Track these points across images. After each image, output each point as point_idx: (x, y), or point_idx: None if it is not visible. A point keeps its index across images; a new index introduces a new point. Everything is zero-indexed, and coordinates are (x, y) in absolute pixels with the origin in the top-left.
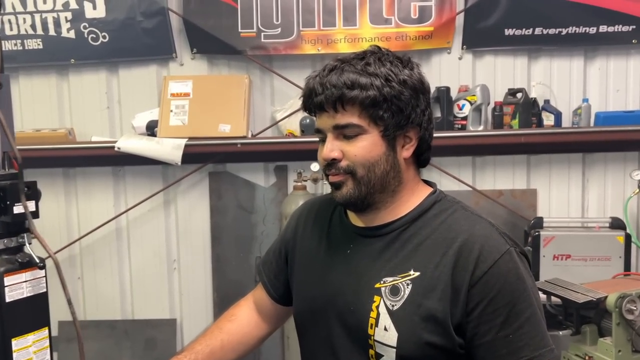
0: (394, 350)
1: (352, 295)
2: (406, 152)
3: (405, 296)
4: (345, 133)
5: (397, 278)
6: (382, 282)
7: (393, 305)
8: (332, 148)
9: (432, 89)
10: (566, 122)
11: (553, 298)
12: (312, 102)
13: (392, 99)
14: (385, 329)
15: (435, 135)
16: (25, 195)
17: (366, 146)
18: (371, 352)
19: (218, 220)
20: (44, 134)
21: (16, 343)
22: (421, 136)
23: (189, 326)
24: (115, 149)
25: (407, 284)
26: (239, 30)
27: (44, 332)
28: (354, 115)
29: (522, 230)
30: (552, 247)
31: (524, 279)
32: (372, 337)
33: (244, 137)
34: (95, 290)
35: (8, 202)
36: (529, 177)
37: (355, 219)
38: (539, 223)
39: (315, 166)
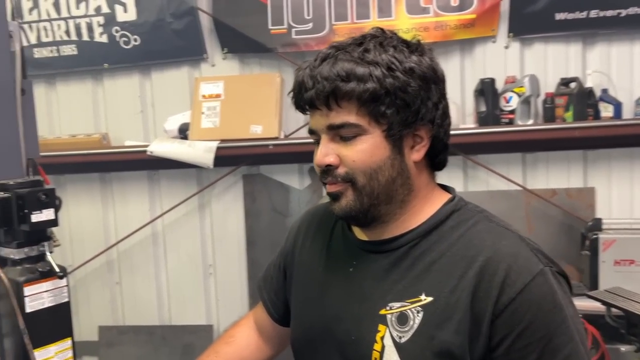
0: None
1: (353, 322)
2: (416, 154)
3: (415, 326)
4: (341, 134)
5: (406, 304)
6: (388, 308)
7: (400, 337)
8: (326, 152)
9: (476, 81)
10: (627, 113)
11: (614, 309)
12: (302, 99)
13: (396, 92)
14: None
15: (480, 131)
16: (44, 203)
17: (367, 149)
18: None
19: (253, 224)
20: (78, 140)
21: (38, 354)
22: (434, 134)
23: None
24: (148, 152)
25: (418, 312)
26: (269, 27)
27: (67, 342)
28: (350, 113)
29: (579, 232)
30: (612, 251)
31: (561, 306)
32: None
33: (277, 138)
34: (134, 295)
35: (26, 211)
36: (586, 175)
37: (360, 232)
38: (597, 225)
39: None
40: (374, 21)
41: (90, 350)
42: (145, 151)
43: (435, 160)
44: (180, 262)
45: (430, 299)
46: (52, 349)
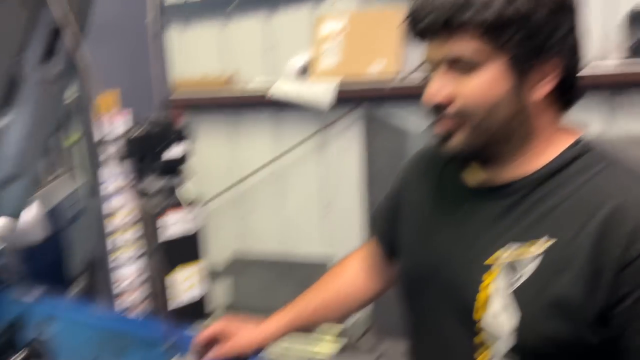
0: (507, 342)
1: (459, 267)
2: (540, 90)
3: (528, 274)
4: (457, 67)
5: (521, 247)
6: (499, 252)
7: (511, 285)
8: (438, 88)
9: (626, 10)
10: None
11: None
12: (416, 29)
13: (520, 21)
14: (497, 315)
15: (628, 70)
16: (176, 140)
17: (485, 83)
18: (477, 339)
19: (371, 164)
20: (204, 80)
21: (170, 279)
22: (563, 69)
23: None
24: (269, 95)
25: (533, 258)
26: None
27: (197, 266)
28: (468, 44)
29: None
30: None
31: None
32: (479, 322)
33: (398, 76)
34: (258, 231)
35: (160, 147)
36: None
37: (471, 175)
38: None
39: None
40: None
41: (221, 275)
42: (265, 94)
43: (563, 98)
44: (301, 199)
45: (552, 241)
46: (185, 271)
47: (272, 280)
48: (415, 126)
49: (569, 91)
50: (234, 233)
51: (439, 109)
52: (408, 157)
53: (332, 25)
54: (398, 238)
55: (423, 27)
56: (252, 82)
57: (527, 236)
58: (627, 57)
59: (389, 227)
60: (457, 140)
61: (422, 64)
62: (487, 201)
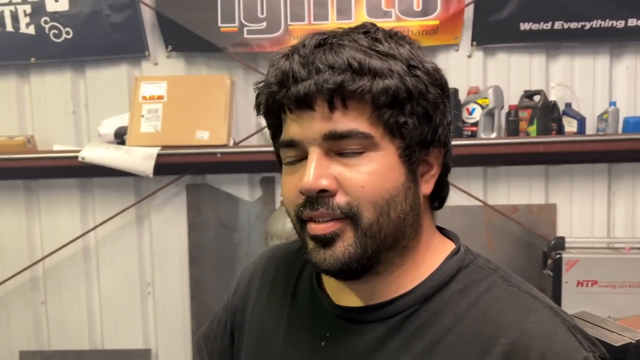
0: None
1: None
2: (425, 185)
3: None
4: (343, 148)
5: None
6: None
7: None
8: (319, 173)
9: None
10: (590, 128)
11: None
12: (289, 94)
13: (418, 97)
14: None
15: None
16: None
17: (379, 171)
18: None
19: (197, 239)
20: None
21: None
22: (445, 162)
23: (165, 357)
24: (79, 159)
25: None
26: (219, 24)
27: None
28: (360, 119)
29: (539, 250)
30: (575, 271)
31: None
32: None
33: (225, 146)
34: (61, 316)
35: None
36: (548, 191)
37: (334, 291)
38: (560, 244)
39: None
40: (333, 23)
41: None
42: (76, 157)
43: (439, 194)
44: (114, 280)
45: None
46: None
47: None
48: (245, 196)
49: (445, 186)
50: (30, 322)
51: (319, 200)
52: (239, 229)
53: (153, 88)
54: None
55: (303, 92)
56: (56, 145)
57: None
58: None
59: (218, 358)
60: (343, 247)
61: (253, 134)
62: (358, 326)
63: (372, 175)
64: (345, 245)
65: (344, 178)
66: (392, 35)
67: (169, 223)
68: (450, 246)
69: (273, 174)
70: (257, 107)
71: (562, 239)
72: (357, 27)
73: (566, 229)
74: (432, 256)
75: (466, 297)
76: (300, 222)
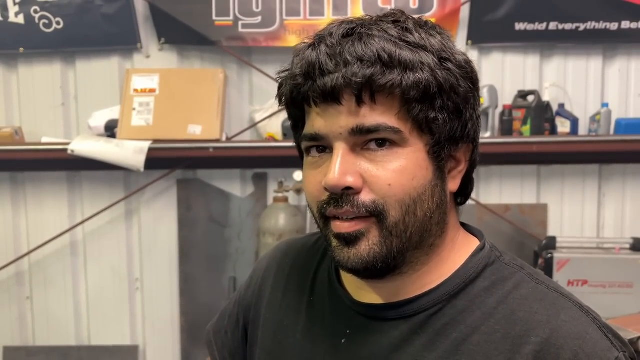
0: None
1: None
2: (452, 182)
3: None
4: (370, 144)
5: None
6: None
7: None
8: (345, 169)
9: None
10: (582, 129)
11: None
12: (313, 87)
13: (449, 91)
14: None
15: None
16: None
17: (407, 168)
18: None
19: (187, 235)
20: None
21: None
22: (472, 158)
23: (153, 354)
24: (69, 151)
25: None
26: (214, 17)
27: None
28: (389, 113)
29: (530, 250)
30: (566, 271)
31: None
32: None
33: (218, 141)
34: (47, 312)
35: None
36: (539, 191)
37: (355, 288)
38: (551, 243)
39: (299, 175)
40: (328, 19)
41: None
42: (65, 150)
43: (465, 191)
44: (102, 275)
45: None
46: None
47: None
48: (237, 191)
49: (470, 182)
50: (14, 317)
51: (344, 198)
52: (230, 226)
53: (145, 81)
54: None
55: (330, 84)
56: (45, 137)
57: None
58: None
59: (229, 354)
60: (368, 246)
61: (246, 129)
62: (380, 324)
63: (399, 172)
64: (371, 245)
65: (371, 175)
66: (423, 25)
67: (159, 218)
68: (474, 243)
69: (265, 170)
70: (280, 97)
71: (553, 238)
72: (386, 15)
73: (556, 228)
74: (457, 253)
75: (493, 294)
76: (324, 219)
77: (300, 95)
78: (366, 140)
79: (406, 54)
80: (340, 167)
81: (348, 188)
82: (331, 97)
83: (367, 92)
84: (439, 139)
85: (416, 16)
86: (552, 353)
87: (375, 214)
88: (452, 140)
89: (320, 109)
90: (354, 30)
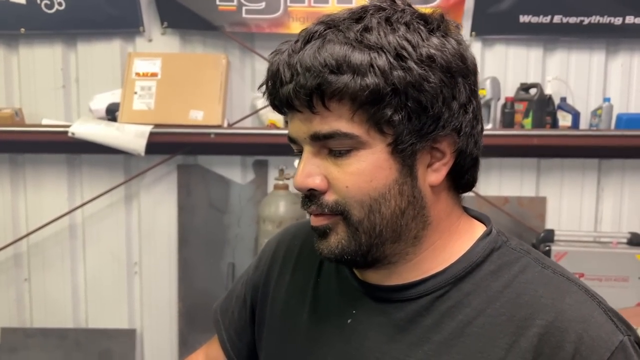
0: None
1: None
2: (435, 174)
3: None
4: (330, 146)
5: None
6: None
7: None
8: (309, 172)
9: None
10: (583, 123)
11: None
12: (278, 96)
13: (407, 90)
14: None
15: None
16: None
17: (364, 170)
18: None
19: (186, 220)
20: None
21: None
22: (460, 147)
23: (150, 338)
24: (69, 134)
25: None
26: (217, 2)
27: None
28: (341, 118)
29: (530, 242)
30: (563, 264)
31: None
32: None
33: (219, 127)
34: (44, 294)
35: None
36: (539, 184)
37: (361, 271)
38: (549, 236)
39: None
40: (333, 6)
41: None
42: (66, 132)
43: (461, 180)
44: (101, 259)
45: None
46: None
47: (61, 356)
48: (237, 178)
49: (469, 170)
50: (12, 299)
51: (312, 197)
52: (230, 212)
53: (147, 65)
54: (259, 348)
55: (286, 95)
56: (45, 119)
57: None
58: None
59: (235, 333)
60: (336, 240)
61: (248, 116)
62: (385, 305)
63: (356, 175)
64: (339, 239)
65: (332, 178)
66: (389, 18)
67: (159, 203)
68: (480, 228)
69: (266, 157)
70: (269, 103)
71: (551, 231)
72: (356, 11)
73: (554, 221)
74: (458, 240)
75: (499, 278)
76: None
77: (272, 102)
78: (326, 145)
79: (357, 58)
80: (304, 170)
81: (311, 190)
82: (289, 106)
83: (317, 100)
84: (400, 138)
85: (402, 1)
86: (557, 336)
87: (339, 213)
88: (420, 135)
89: (289, 115)
90: (315, 35)
